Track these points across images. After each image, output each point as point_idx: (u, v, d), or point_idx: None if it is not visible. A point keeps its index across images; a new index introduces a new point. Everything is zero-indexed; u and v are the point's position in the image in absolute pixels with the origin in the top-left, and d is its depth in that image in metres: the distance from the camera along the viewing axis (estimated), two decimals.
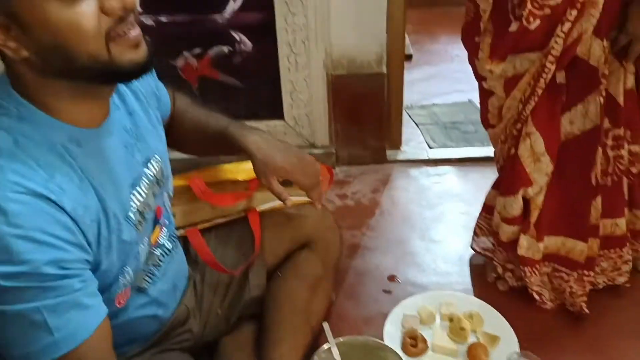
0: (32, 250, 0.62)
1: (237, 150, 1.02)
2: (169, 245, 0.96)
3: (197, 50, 1.86)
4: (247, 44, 1.85)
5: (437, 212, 1.82)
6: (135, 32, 0.68)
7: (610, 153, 1.24)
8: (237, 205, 1.20)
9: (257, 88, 1.92)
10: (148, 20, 1.79)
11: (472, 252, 1.56)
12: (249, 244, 1.15)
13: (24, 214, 0.62)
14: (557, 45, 1.09)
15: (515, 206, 1.29)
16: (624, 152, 1.24)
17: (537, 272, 1.34)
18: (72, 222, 0.67)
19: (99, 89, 0.73)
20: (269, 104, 1.94)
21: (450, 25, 3.46)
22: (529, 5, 1.06)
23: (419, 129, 2.28)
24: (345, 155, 2.01)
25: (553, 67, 1.12)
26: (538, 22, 1.07)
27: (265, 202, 1.22)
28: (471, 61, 1.27)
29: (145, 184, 0.85)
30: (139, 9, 0.62)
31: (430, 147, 2.14)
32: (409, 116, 2.35)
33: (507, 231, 1.34)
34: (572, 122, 1.20)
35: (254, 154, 1.00)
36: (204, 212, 1.18)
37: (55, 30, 0.62)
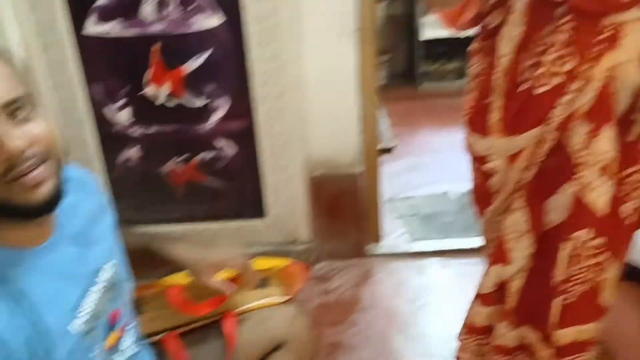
0: None
1: (164, 264, 1.08)
2: (132, 351, 0.97)
3: (184, 157, 1.97)
4: (230, 149, 1.97)
5: (418, 305, 1.86)
6: (35, 173, 0.69)
7: (592, 261, 1.18)
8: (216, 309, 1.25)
9: (240, 189, 2.02)
10: (137, 131, 1.92)
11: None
12: (225, 348, 1.18)
13: None
14: (557, 116, 1.09)
15: (487, 282, 1.29)
16: (597, 266, 1.18)
17: None
18: (1, 346, 0.68)
19: (15, 221, 0.74)
20: (252, 204, 2.03)
21: (433, 117, 3.66)
22: (540, 69, 1.07)
23: (401, 221, 2.35)
24: (327, 251, 2.08)
25: (553, 136, 1.11)
26: (546, 88, 1.09)
27: (243, 304, 1.27)
28: (468, 142, 1.27)
29: (96, 292, 0.86)
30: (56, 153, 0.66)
31: (411, 240, 2.21)
32: (391, 208, 2.44)
33: (481, 312, 1.33)
34: (551, 210, 1.18)
35: (185, 258, 1.07)
36: (180, 317, 1.22)
37: None
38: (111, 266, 0.93)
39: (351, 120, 1.93)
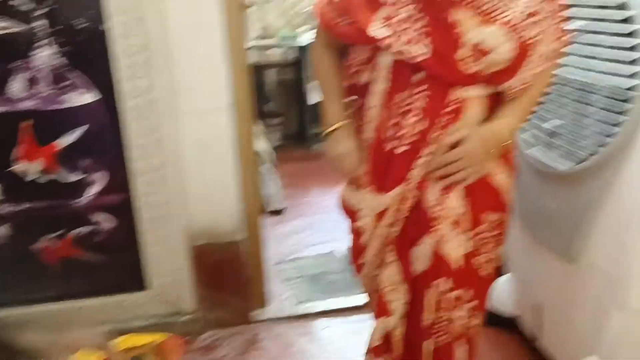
0: None
1: (17, 354, 1.06)
2: None
3: (58, 233, 1.92)
4: (109, 223, 1.95)
5: None
6: None
7: (454, 313, 1.30)
8: None
9: (120, 262, 1.99)
10: (7, 209, 1.86)
11: None
12: None
13: None
14: (415, 177, 1.22)
15: (373, 336, 1.36)
16: (460, 313, 1.30)
17: None
18: None
19: None
20: (133, 277, 2.00)
21: (323, 177, 3.79)
22: (402, 131, 1.21)
23: (288, 283, 2.41)
24: (213, 320, 2.07)
25: (414, 194, 1.24)
26: (405, 148, 1.22)
27: None
28: (343, 196, 1.38)
29: None
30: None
31: (297, 302, 2.26)
32: (278, 272, 2.48)
33: None
34: (416, 260, 1.29)
35: (36, 344, 1.07)
36: None
37: None
38: None
39: (231, 188, 1.99)
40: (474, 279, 1.31)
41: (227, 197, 1.99)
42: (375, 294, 1.40)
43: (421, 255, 1.29)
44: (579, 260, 1.47)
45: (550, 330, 1.68)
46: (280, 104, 4.60)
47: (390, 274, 1.34)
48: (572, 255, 1.48)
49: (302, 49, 4.14)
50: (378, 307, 1.37)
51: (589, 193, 1.40)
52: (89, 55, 1.79)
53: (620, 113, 1.27)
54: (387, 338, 1.38)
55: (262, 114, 4.23)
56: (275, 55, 4.54)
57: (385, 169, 1.27)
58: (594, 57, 1.35)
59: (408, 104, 1.21)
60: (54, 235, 1.92)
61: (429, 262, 1.28)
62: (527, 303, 1.80)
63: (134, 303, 2.01)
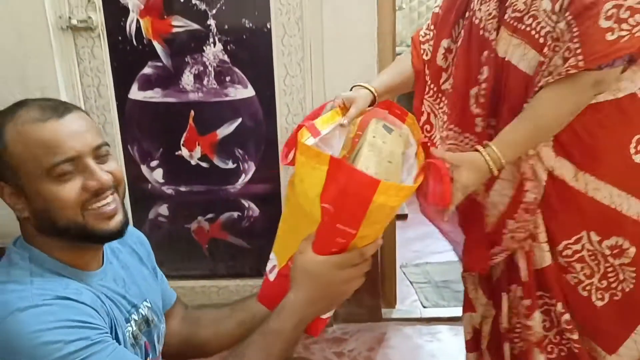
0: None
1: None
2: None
3: (210, 216, 2.08)
4: (255, 210, 2.07)
5: None
6: (110, 207, 0.85)
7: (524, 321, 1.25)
8: None
9: (263, 248, 2.10)
10: (168, 190, 2.04)
11: None
12: None
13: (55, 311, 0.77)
14: None
15: (465, 330, 1.41)
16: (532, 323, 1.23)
17: None
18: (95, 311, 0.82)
19: (85, 246, 0.88)
20: None
21: None
22: None
23: (413, 287, 2.41)
24: (343, 313, 2.13)
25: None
26: None
27: None
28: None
29: (134, 319, 0.96)
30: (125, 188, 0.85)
31: (423, 306, 2.26)
32: (404, 274, 2.50)
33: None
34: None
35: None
36: None
37: (44, 199, 0.82)
38: (148, 305, 1.00)
39: None
40: (557, 290, 1.20)
41: None
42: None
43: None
44: None
45: None
46: None
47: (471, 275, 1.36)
48: None
49: None
50: (466, 302, 1.40)
51: None
52: (249, 53, 1.92)
53: None
54: (476, 334, 1.39)
55: None
56: None
57: None
58: None
59: None
60: (206, 217, 2.08)
61: (503, 266, 1.26)
62: None
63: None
